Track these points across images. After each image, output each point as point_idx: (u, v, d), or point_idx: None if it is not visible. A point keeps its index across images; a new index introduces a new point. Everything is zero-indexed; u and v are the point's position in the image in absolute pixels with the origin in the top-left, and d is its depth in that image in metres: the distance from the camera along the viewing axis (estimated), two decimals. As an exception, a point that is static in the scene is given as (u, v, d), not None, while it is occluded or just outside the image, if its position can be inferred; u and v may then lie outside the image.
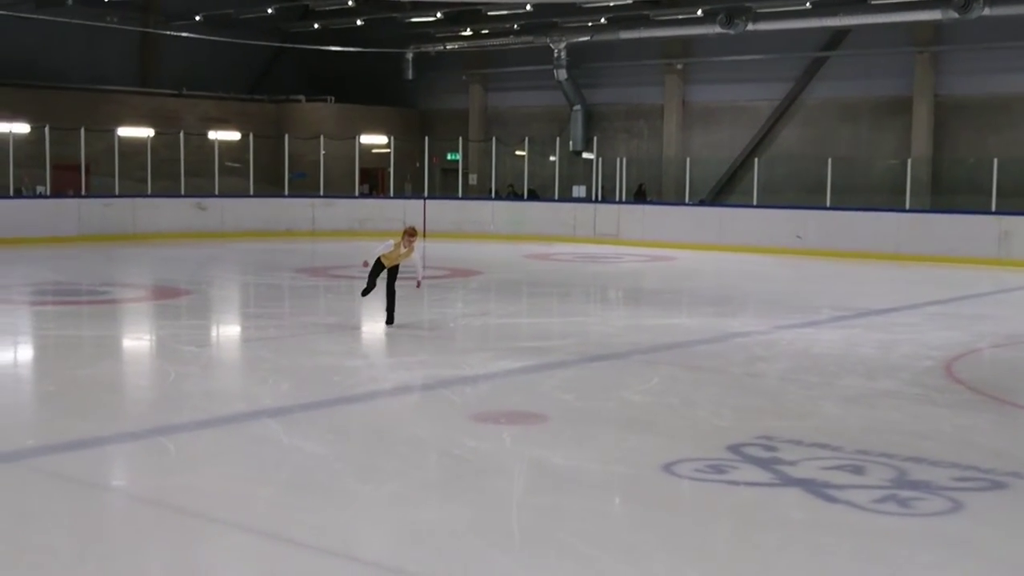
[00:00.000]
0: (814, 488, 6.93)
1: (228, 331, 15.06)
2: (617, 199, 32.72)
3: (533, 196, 34.73)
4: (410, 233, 13.75)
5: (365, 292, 13.98)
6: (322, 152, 33.38)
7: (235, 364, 12.36)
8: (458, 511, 6.52)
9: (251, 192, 32.06)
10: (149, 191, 30.33)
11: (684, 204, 31.93)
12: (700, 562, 5.68)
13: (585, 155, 35.79)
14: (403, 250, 13.70)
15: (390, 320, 13.80)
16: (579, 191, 34.57)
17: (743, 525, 6.33)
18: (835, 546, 5.97)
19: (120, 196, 29.53)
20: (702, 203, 32.86)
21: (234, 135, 34.16)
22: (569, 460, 7.63)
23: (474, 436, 8.32)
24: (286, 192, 33.11)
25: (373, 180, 37.98)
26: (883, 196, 29.72)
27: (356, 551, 5.89)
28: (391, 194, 35.64)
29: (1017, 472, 7.40)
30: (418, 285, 14.17)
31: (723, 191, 34.73)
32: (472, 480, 7.16)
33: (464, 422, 8.79)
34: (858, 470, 7.36)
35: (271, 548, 5.88)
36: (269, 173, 33.72)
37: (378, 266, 13.75)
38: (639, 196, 34.39)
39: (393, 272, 13.88)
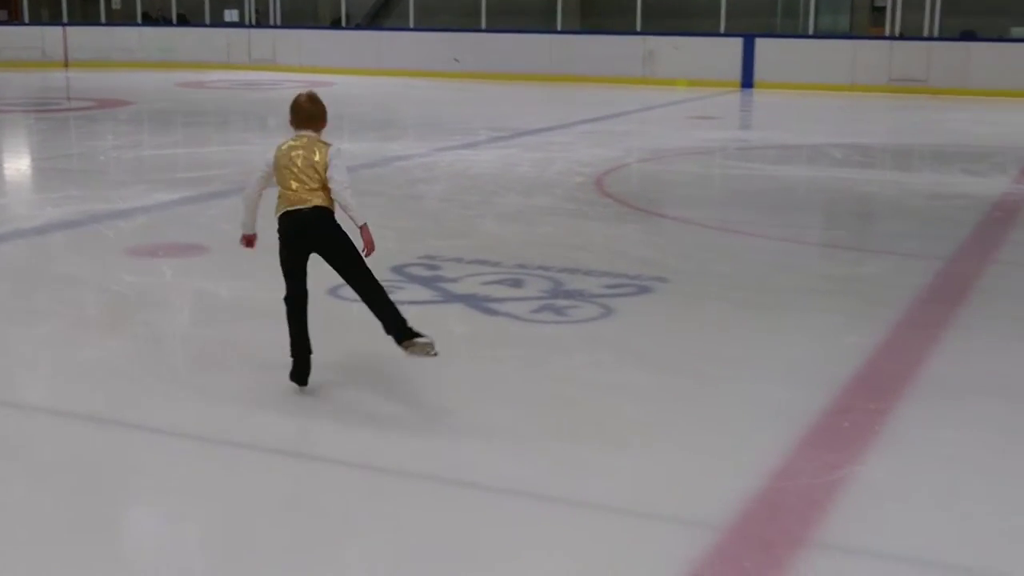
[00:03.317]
0: (475, 303, 7.18)
1: None
2: (271, 23, 31.77)
3: (183, 21, 33.18)
4: (305, 108, 5.49)
5: (297, 339, 5.48)
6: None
7: None
8: (120, 347, 6.33)
9: None
10: None
11: (341, 28, 31.41)
12: (365, 378, 5.80)
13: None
14: (298, 149, 5.35)
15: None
16: (231, 15, 33.27)
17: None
18: (497, 356, 6.24)
19: None
20: (358, 27, 32.42)
21: None
22: (233, 291, 7.54)
23: (132, 271, 8.04)
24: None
25: (6, 3, 35.12)
26: (536, 18, 30.33)
27: (14, 396, 5.63)
28: (26, 20, 33.06)
29: (661, 277, 7.93)
30: (368, 251, 5.47)
31: (379, 15, 34.36)
32: (133, 315, 6.95)
33: (121, 257, 8.48)
34: (517, 283, 7.67)
35: (-85, 399, 5.53)
36: None
37: (288, 226, 5.34)
38: (335, 25, 33.45)
39: (329, 239, 5.37)
